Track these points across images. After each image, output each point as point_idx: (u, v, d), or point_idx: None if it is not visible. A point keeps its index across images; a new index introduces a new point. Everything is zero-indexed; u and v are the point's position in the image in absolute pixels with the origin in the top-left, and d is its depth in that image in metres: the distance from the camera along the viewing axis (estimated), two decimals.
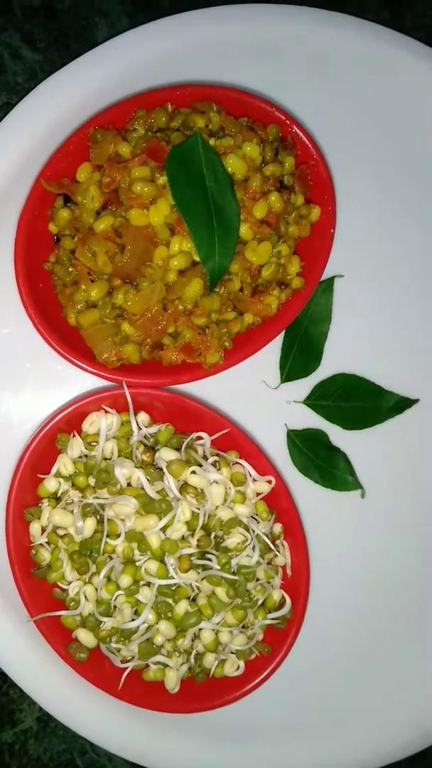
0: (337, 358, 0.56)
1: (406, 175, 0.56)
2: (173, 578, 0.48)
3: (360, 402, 0.56)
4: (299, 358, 0.56)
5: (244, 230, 0.49)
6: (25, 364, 0.54)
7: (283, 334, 0.55)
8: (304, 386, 0.56)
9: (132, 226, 0.48)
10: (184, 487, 0.50)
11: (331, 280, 0.56)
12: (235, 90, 0.52)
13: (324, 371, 0.56)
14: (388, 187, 0.56)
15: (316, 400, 0.56)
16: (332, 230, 0.52)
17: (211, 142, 0.49)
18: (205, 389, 0.54)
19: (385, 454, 0.56)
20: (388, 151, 0.56)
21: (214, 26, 0.53)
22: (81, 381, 0.53)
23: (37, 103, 0.52)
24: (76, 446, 0.50)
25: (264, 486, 0.52)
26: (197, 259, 0.48)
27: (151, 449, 0.51)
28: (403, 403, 0.56)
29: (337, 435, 0.56)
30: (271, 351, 0.55)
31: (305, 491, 0.55)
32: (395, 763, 0.55)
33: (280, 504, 0.53)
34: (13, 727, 0.56)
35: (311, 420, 0.56)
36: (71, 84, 0.52)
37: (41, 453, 0.51)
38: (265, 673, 0.52)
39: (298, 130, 0.52)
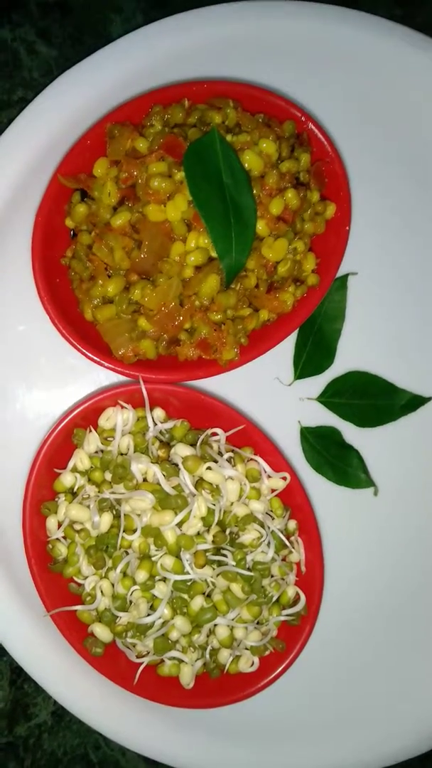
0: (351, 355, 0.56)
1: (421, 173, 0.56)
2: (189, 574, 0.48)
3: (373, 400, 0.56)
4: (313, 355, 0.56)
5: (261, 227, 0.49)
6: (42, 360, 0.54)
7: (297, 331, 0.55)
8: (317, 383, 0.56)
9: (149, 222, 0.48)
10: (199, 482, 0.50)
11: (346, 277, 0.56)
12: (252, 86, 0.52)
13: (337, 369, 0.56)
14: (403, 184, 0.56)
15: (329, 398, 0.56)
16: (347, 227, 0.52)
17: (228, 138, 0.49)
18: (220, 385, 0.54)
19: (398, 451, 0.56)
20: (404, 148, 0.56)
21: (230, 23, 0.53)
22: (97, 376, 0.53)
23: (53, 98, 0.52)
24: (92, 441, 0.50)
25: (279, 482, 0.52)
26: (214, 255, 0.48)
27: (167, 445, 0.51)
28: (416, 401, 0.56)
29: (351, 432, 0.56)
30: (285, 348, 0.55)
31: (318, 488, 0.55)
32: (406, 762, 0.55)
33: (294, 501, 0.53)
34: (27, 721, 0.56)
35: (324, 417, 0.56)
36: (87, 80, 0.52)
37: (58, 448, 0.51)
38: (279, 670, 0.52)
39: (313, 127, 0.52)
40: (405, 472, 0.57)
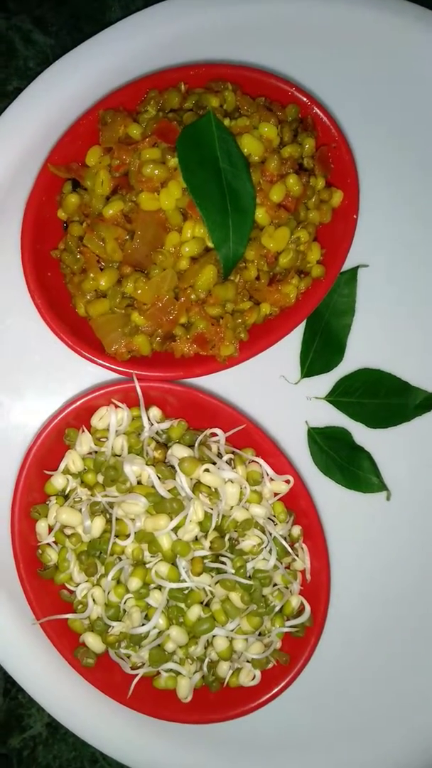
0: (361, 352, 0.54)
1: None
2: (185, 582, 0.46)
3: (385, 399, 0.54)
4: (321, 352, 0.54)
5: (261, 215, 0.47)
6: (33, 357, 0.52)
7: (304, 326, 0.53)
8: (325, 382, 0.54)
9: (142, 211, 0.46)
10: (197, 486, 0.48)
11: (355, 270, 0.54)
12: (252, 69, 0.50)
13: (347, 366, 0.54)
14: (414, 170, 0.54)
15: (338, 397, 0.54)
16: (355, 216, 0.50)
17: (226, 122, 0.47)
18: (222, 384, 0.52)
19: (411, 454, 0.54)
20: (415, 132, 0.54)
21: (232, 5, 0.51)
22: (90, 374, 0.51)
23: (46, 86, 0.51)
24: (84, 442, 0.49)
25: (282, 486, 0.50)
26: (211, 245, 0.46)
27: (164, 446, 0.49)
28: (430, 401, 0.54)
29: (361, 433, 0.54)
30: (292, 344, 0.53)
31: (327, 492, 0.53)
32: None
33: (299, 505, 0.50)
34: (21, 733, 0.54)
35: (333, 417, 0.54)
36: (82, 66, 0.51)
37: (49, 449, 0.49)
38: (283, 684, 0.49)
39: (318, 111, 0.50)
40: (419, 476, 0.54)
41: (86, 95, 0.50)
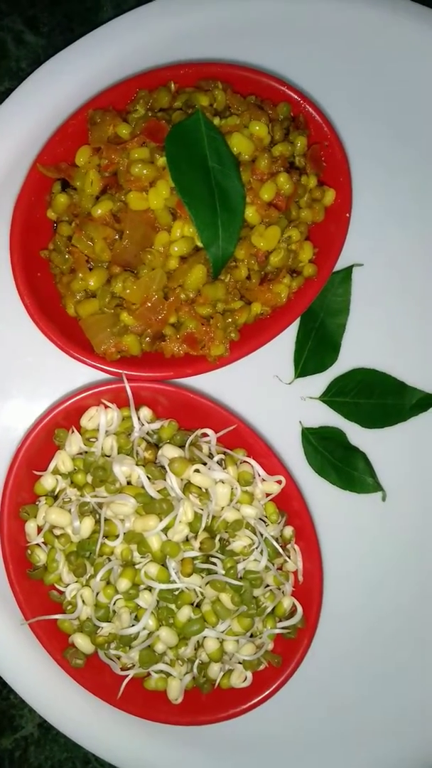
0: (356, 351, 0.53)
1: (426, 157, 0.53)
2: (175, 582, 0.46)
3: (381, 399, 0.53)
4: (315, 351, 0.53)
5: (251, 214, 0.46)
6: (23, 357, 0.52)
7: (297, 326, 0.53)
8: (320, 382, 0.53)
9: (131, 211, 0.45)
10: (187, 486, 0.47)
11: (350, 269, 0.53)
12: (243, 68, 0.49)
13: (342, 366, 0.53)
14: (407, 168, 0.53)
15: (333, 397, 0.53)
16: (348, 214, 0.50)
17: (216, 121, 0.46)
18: (215, 384, 0.52)
19: (407, 454, 0.54)
20: (408, 131, 0.53)
21: (223, 3, 0.51)
22: (80, 374, 0.51)
23: (37, 86, 0.51)
24: (74, 442, 0.48)
25: (273, 486, 0.50)
26: (200, 244, 0.46)
27: (154, 446, 0.49)
28: (427, 401, 0.53)
29: (356, 434, 0.53)
30: (285, 344, 0.53)
31: (321, 493, 0.53)
32: None
33: (291, 506, 0.50)
34: (13, 733, 0.54)
35: (328, 418, 0.53)
36: (73, 66, 0.51)
37: (38, 449, 0.49)
38: (275, 685, 0.49)
39: (310, 109, 0.49)
40: (415, 476, 0.54)
41: (77, 95, 0.50)
